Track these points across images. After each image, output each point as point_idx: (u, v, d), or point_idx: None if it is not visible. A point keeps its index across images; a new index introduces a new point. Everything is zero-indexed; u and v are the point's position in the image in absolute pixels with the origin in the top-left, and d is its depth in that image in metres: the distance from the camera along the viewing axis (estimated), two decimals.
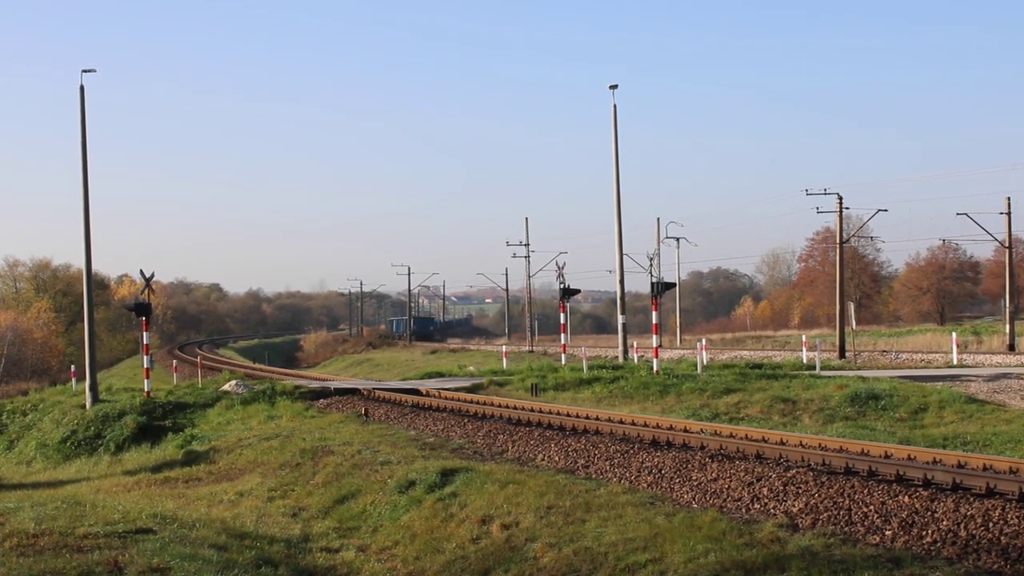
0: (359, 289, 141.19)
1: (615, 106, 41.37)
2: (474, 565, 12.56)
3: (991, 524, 11.00)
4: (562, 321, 44.48)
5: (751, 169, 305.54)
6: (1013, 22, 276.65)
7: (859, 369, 35.73)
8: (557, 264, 75.47)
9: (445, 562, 13.00)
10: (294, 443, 22.73)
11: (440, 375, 40.59)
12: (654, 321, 35.95)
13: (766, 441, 17.50)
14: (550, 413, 23.39)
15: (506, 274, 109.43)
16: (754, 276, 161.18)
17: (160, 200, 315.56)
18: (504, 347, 63.05)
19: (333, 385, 35.00)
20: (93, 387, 34.55)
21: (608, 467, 16.80)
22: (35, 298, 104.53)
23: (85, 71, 34.67)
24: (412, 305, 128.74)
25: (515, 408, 24.79)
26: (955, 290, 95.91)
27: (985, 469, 13.68)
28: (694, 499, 14.11)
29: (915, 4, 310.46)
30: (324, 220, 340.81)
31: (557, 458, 18.20)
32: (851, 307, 43.58)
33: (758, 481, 14.07)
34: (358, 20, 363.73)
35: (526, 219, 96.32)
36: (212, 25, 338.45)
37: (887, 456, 15.24)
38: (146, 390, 34.59)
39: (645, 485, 15.32)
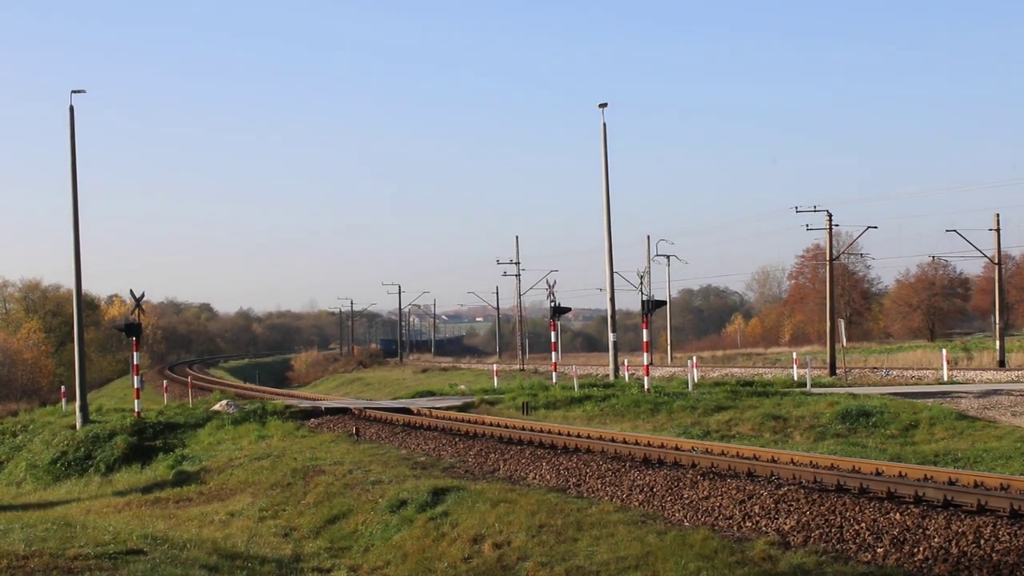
0: (350, 308, 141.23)
1: (604, 124, 41.53)
2: None
3: (983, 541, 11.02)
4: (553, 339, 44.48)
5: (741, 186, 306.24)
6: (1001, 39, 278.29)
7: (850, 386, 35.76)
8: (548, 282, 75.01)
9: None
10: (285, 463, 22.69)
11: (431, 394, 40.53)
12: (645, 339, 35.96)
13: (757, 459, 17.50)
14: (541, 432, 23.36)
15: (497, 292, 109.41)
16: (744, 293, 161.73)
17: (150, 220, 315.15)
18: (495, 365, 62.99)
19: (324, 404, 34.94)
20: (83, 408, 34.42)
21: (600, 485, 16.79)
22: (25, 319, 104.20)
23: (74, 92, 34.65)
24: (403, 324, 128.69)
25: (506, 427, 24.77)
26: (945, 306, 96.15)
27: (976, 486, 13.70)
28: (686, 517, 14.11)
29: (905, 23, 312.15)
30: (314, 239, 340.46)
31: (548, 477, 18.19)
32: (841, 324, 43.65)
33: (749, 499, 14.08)
34: (351, 41, 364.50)
35: (516, 237, 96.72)
36: (201, 44, 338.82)
37: (878, 473, 15.26)
38: (136, 410, 34.48)
39: (637, 503, 15.31)
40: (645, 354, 35.48)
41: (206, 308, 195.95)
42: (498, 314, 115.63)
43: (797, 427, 24.90)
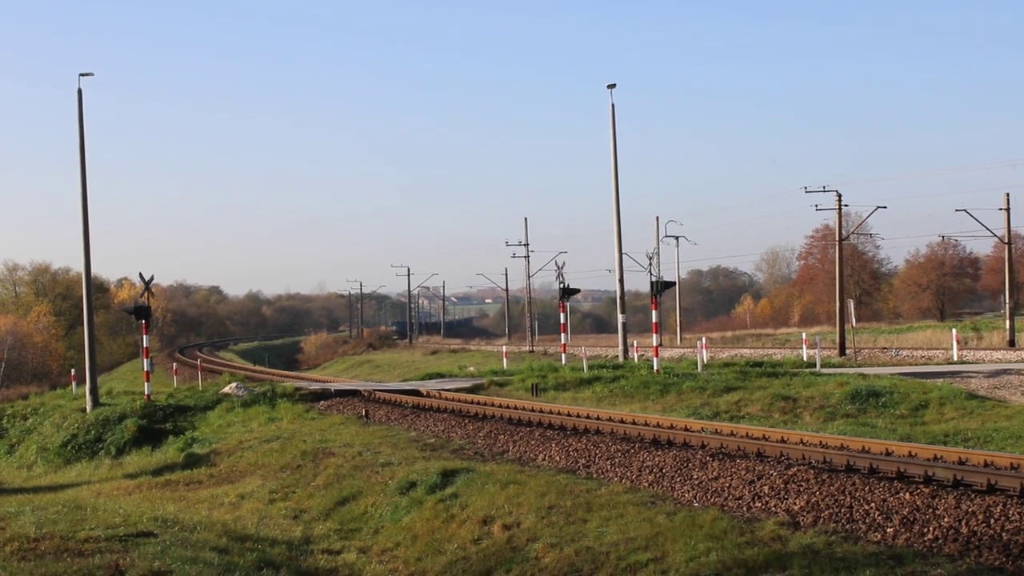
0: (359, 290, 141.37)
1: (613, 105, 41.45)
2: (475, 566, 12.56)
3: (992, 520, 11.00)
4: (562, 321, 44.47)
5: (750, 167, 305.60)
6: (1009, 20, 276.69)
7: (859, 366, 35.70)
8: (557, 264, 75.72)
9: (447, 563, 12.99)
10: (295, 445, 22.72)
11: (440, 376, 40.57)
12: (654, 320, 35.94)
13: (767, 439, 17.49)
14: (551, 413, 23.37)
15: (506, 274, 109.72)
16: (754, 274, 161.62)
17: (159, 203, 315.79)
18: (504, 347, 63.03)
19: (333, 387, 34.98)
20: (93, 391, 34.54)
21: (609, 466, 16.79)
22: (35, 302, 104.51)
23: (83, 75, 34.64)
24: (412, 306, 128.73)
25: (516, 408, 24.78)
26: (955, 286, 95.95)
27: (986, 465, 13.67)
28: (695, 498, 14.10)
29: (914, 5, 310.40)
30: (324, 221, 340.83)
31: (558, 458, 18.19)
32: (851, 304, 43.55)
33: (759, 479, 14.06)
34: (361, 27, 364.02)
35: (525, 219, 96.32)
36: (214, 28, 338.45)
37: (888, 453, 15.23)
38: (146, 393, 34.57)
39: (646, 484, 15.31)
40: (654, 335, 35.45)
41: (216, 291, 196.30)
42: (507, 296, 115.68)
43: (807, 407, 24.87)
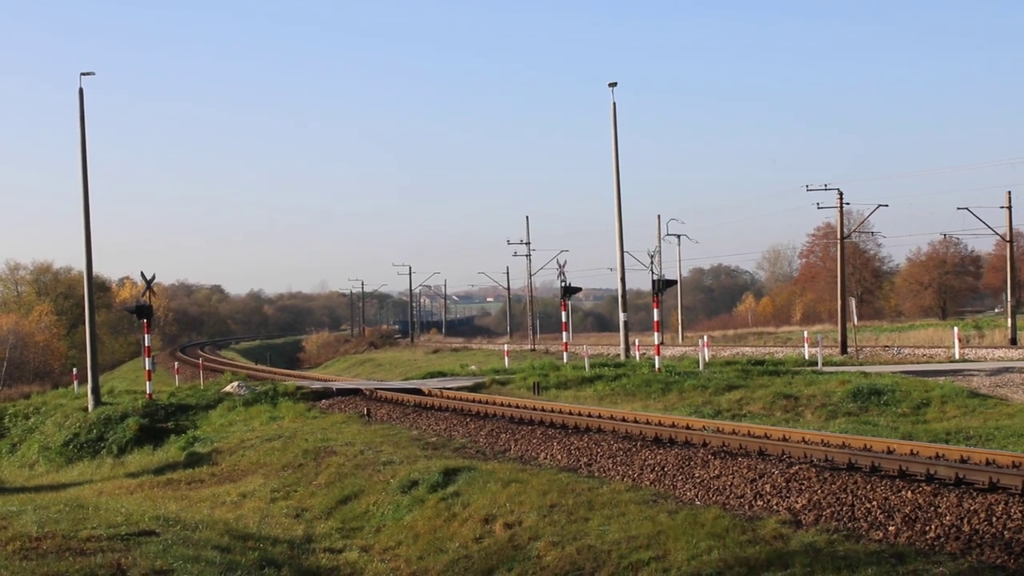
0: (360, 289, 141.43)
1: (614, 104, 41.45)
2: (477, 564, 12.55)
3: (994, 519, 10.98)
4: (564, 319, 44.46)
5: (751, 166, 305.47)
6: (1009, 20, 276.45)
7: (861, 365, 35.66)
8: (558, 262, 75.35)
9: (448, 561, 12.99)
10: (296, 444, 22.73)
11: (442, 374, 40.57)
12: (655, 318, 35.92)
13: (768, 438, 17.47)
14: (552, 411, 23.36)
15: (507, 273, 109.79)
16: (755, 273, 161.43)
17: (160, 202, 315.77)
18: (506, 346, 63.06)
19: (335, 385, 34.99)
20: (95, 390, 34.55)
21: (611, 465, 16.78)
22: (37, 301, 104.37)
23: (84, 74, 34.74)
24: (414, 305, 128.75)
25: (517, 407, 24.77)
26: (956, 284, 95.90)
27: (988, 464, 13.66)
28: (697, 496, 14.09)
29: (912, 4, 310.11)
30: (325, 220, 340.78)
31: (560, 456, 18.19)
32: (852, 303, 43.56)
33: (761, 478, 14.05)
34: (362, 25, 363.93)
35: (527, 218, 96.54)
36: (214, 26, 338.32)
37: (890, 451, 15.21)
38: (148, 392, 34.58)
39: (648, 483, 15.30)
40: (656, 333, 35.44)
41: (217, 290, 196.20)
42: (508, 294, 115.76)
43: (808, 406, 24.86)
